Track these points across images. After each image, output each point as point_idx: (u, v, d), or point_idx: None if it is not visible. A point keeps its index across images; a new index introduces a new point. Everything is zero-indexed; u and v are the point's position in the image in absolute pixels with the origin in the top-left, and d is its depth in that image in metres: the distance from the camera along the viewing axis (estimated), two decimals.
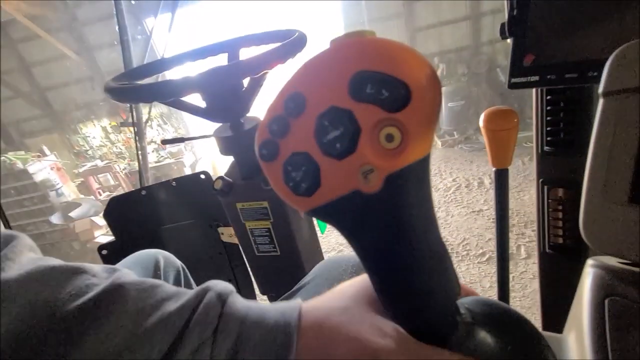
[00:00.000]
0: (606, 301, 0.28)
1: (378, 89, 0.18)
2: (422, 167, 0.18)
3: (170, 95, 0.54)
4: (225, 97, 0.69)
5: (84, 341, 0.20)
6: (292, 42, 0.63)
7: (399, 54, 0.18)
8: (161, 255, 0.62)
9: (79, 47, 4.89)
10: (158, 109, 5.36)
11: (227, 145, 0.76)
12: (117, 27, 1.13)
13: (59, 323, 0.20)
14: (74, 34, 4.80)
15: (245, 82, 0.72)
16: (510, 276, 2.13)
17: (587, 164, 0.32)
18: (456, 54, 4.61)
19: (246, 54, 0.80)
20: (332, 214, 0.20)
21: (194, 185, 1.04)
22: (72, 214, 4.09)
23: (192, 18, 4.69)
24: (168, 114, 5.54)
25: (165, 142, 0.83)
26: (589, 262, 0.32)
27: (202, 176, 1.05)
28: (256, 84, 0.71)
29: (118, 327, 0.21)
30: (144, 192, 1.06)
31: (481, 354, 0.20)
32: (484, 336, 0.21)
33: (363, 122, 0.18)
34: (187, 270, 0.65)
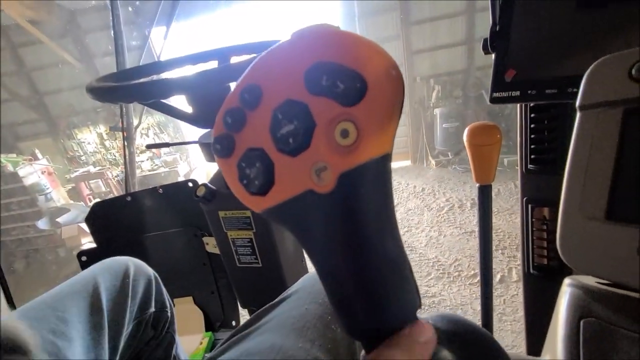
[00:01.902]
0: (581, 322, 0.26)
1: (334, 81, 0.17)
2: (379, 167, 0.17)
3: (150, 95, 0.53)
4: (211, 102, 0.69)
5: None
6: None
7: (356, 46, 0.17)
8: (132, 262, 0.59)
9: (80, 54, 4.93)
10: (154, 117, 5.37)
11: (211, 152, 0.75)
12: (112, 32, 1.13)
13: None
14: (76, 41, 4.85)
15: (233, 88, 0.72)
16: (502, 299, 2.10)
17: (564, 179, 0.31)
18: (451, 77, 4.71)
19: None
20: (285, 215, 0.19)
21: (181, 193, 1.02)
22: (60, 219, 4.01)
23: (191, 31, 4.78)
24: (165, 122, 5.55)
25: (150, 146, 0.81)
26: (566, 281, 0.31)
27: (190, 184, 1.03)
28: None
29: None
30: (129, 198, 1.04)
31: None
32: (446, 356, 0.19)
33: (318, 117, 0.17)
34: (159, 280, 0.63)
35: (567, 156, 0.54)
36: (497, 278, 2.19)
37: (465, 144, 0.50)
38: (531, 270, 0.61)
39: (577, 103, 0.30)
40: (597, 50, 0.38)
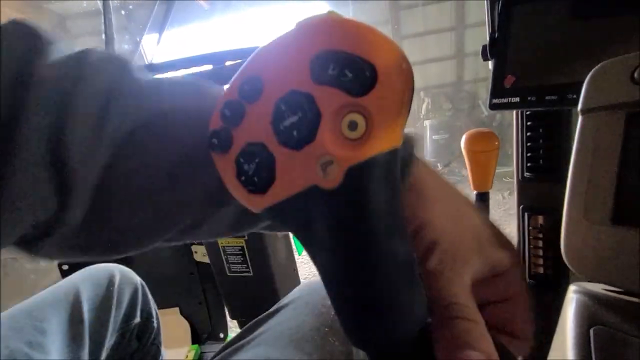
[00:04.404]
0: (591, 330, 0.25)
1: (341, 69, 0.16)
2: (389, 162, 0.16)
3: None
4: None
5: None
6: None
7: (365, 34, 0.16)
8: (117, 270, 0.57)
9: None
10: None
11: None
12: (103, 36, 1.11)
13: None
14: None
15: None
16: None
17: (567, 185, 0.31)
18: (440, 89, 4.81)
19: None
20: (287, 214, 0.18)
21: None
22: None
23: (186, 39, 4.78)
24: None
25: None
26: (572, 288, 0.30)
27: None
28: None
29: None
30: None
31: None
32: None
33: (324, 108, 0.16)
34: (146, 288, 0.60)
35: (562, 164, 0.54)
36: None
37: (463, 151, 0.50)
38: (528, 280, 0.61)
39: (579, 107, 0.29)
40: (596, 57, 0.38)
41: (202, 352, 1.20)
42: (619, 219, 0.27)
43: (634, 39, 0.37)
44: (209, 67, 0.80)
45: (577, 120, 0.30)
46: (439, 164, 4.47)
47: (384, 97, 0.15)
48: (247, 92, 0.18)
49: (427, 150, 4.49)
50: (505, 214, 3.11)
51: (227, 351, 0.43)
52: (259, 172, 0.18)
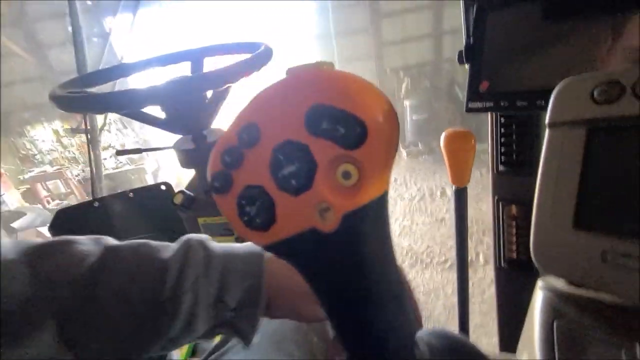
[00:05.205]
0: (555, 323, 0.29)
1: (334, 125, 0.17)
2: (379, 205, 0.18)
3: (125, 107, 0.51)
4: (186, 109, 0.66)
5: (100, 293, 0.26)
6: (258, 56, 0.62)
7: (356, 90, 0.17)
8: None
9: (28, 45, 4.53)
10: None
11: (188, 158, 0.73)
12: (69, 27, 1.05)
13: (78, 284, 0.25)
14: (23, 30, 4.44)
15: (209, 93, 0.70)
16: (470, 282, 2.22)
17: (536, 189, 0.33)
18: (419, 69, 4.81)
19: (210, 63, 0.78)
20: (288, 251, 0.19)
21: (154, 197, 0.98)
22: (15, 224, 3.72)
23: (156, 19, 4.51)
24: (128, 119, 5.26)
25: (120, 152, 0.78)
26: (539, 283, 0.33)
27: (163, 187, 0.99)
28: (220, 96, 0.69)
29: (125, 276, 0.27)
30: (96, 204, 0.99)
31: None
32: None
33: (319, 158, 0.18)
34: None
35: (533, 159, 0.58)
36: None
37: (442, 149, 0.53)
38: (502, 265, 0.66)
39: (547, 121, 0.32)
40: (564, 64, 0.41)
41: (195, 344, 1.23)
42: (580, 224, 0.30)
43: (598, 44, 0.40)
44: (187, 63, 0.78)
45: (545, 119, 0.33)
46: (419, 143, 4.54)
47: (374, 149, 0.17)
48: (246, 140, 0.19)
49: (408, 131, 4.54)
50: (483, 190, 3.21)
51: (212, 357, 0.45)
52: (260, 214, 0.19)
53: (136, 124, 5.36)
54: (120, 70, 0.74)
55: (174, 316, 0.27)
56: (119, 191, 1.01)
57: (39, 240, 0.28)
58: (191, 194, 0.76)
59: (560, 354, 0.26)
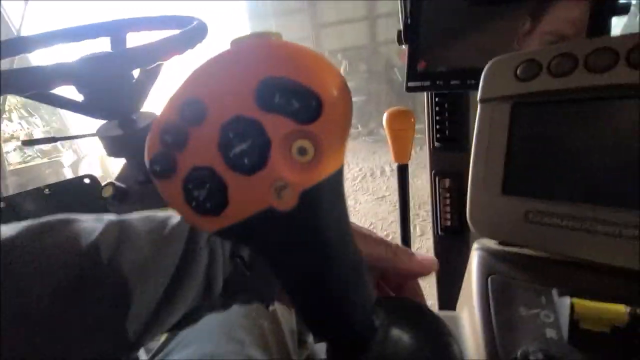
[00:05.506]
0: (489, 279, 0.33)
1: (288, 98, 0.16)
2: (336, 180, 0.18)
3: (28, 87, 0.43)
4: (108, 91, 0.59)
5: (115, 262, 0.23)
6: (192, 30, 0.56)
7: (309, 62, 0.16)
8: None
9: None
10: (20, 97, 4.34)
11: (116, 146, 0.65)
12: None
13: (83, 260, 0.22)
14: None
15: (136, 73, 0.63)
16: None
17: (470, 161, 0.37)
18: (356, 51, 4.91)
19: (134, 39, 0.70)
20: (242, 233, 0.19)
21: (77, 194, 0.87)
22: None
23: None
24: (35, 103, 4.54)
25: (27, 143, 0.66)
26: (475, 245, 0.37)
27: (87, 180, 0.88)
28: (150, 76, 0.63)
29: (141, 242, 0.24)
30: (2, 205, 0.85)
31: (400, 352, 0.21)
32: (400, 334, 0.22)
33: (273, 134, 0.17)
34: None
35: (463, 136, 0.64)
36: None
37: (385, 128, 0.55)
38: (439, 232, 0.72)
39: (478, 97, 0.35)
40: (489, 46, 0.45)
41: None
42: (507, 190, 0.34)
43: (519, 31, 0.44)
44: (106, 39, 0.69)
45: (475, 100, 0.36)
46: (358, 125, 4.69)
47: (330, 123, 0.17)
48: (189, 117, 0.17)
49: None
50: (417, 167, 3.47)
51: (157, 357, 0.43)
52: (210, 197, 0.18)
53: (45, 111, 4.65)
54: (23, 43, 0.62)
55: (193, 278, 0.26)
56: (31, 188, 0.88)
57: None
58: (122, 185, 0.69)
59: (495, 304, 0.30)
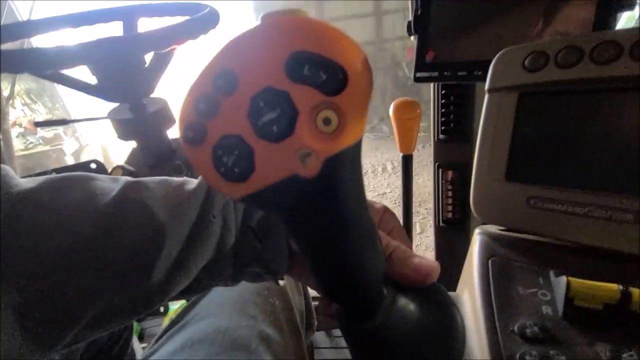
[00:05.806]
0: (489, 261, 0.34)
1: (316, 71, 0.17)
2: (356, 150, 0.19)
3: (45, 66, 0.45)
4: (121, 74, 0.60)
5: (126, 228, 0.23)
6: (205, 16, 0.57)
7: (335, 38, 0.18)
8: None
9: None
10: (24, 83, 4.33)
11: (127, 129, 0.67)
12: None
13: (100, 218, 0.23)
14: None
15: (148, 58, 0.64)
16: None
17: (476, 149, 0.38)
18: (362, 47, 4.88)
19: (145, 24, 0.71)
20: (267, 200, 0.20)
21: None
22: None
23: None
24: (38, 90, 4.53)
25: (39, 124, 0.68)
26: (477, 230, 0.39)
27: (93, 165, 0.90)
28: (162, 61, 0.64)
29: (154, 206, 0.24)
30: None
31: (406, 319, 0.22)
32: (406, 303, 0.23)
33: (300, 105, 0.18)
34: None
35: (467, 129, 0.65)
36: None
37: (391, 117, 0.56)
38: (441, 224, 0.74)
39: (486, 87, 0.36)
40: (501, 38, 0.46)
41: (142, 329, 1.17)
42: (510, 177, 0.35)
43: (532, 28, 0.45)
44: (118, 23, 0.70)
45: (480, 92, 0.37)
46: None
47: (353, 95, 0.18)
48: (222, 86, 0.19)
49: None
50: (419, 165, 3.48)
51: (174, 328, 0.44)
52: (238, 164, 0.19)
53: (48, 99, 4.65)
54: (35, 26, 0.63)
55: (205, 245, 0.26)
56: (39, 172, 0.89)
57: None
58: (131, 168, 0.70)
59: (495, 284, 0.31)
